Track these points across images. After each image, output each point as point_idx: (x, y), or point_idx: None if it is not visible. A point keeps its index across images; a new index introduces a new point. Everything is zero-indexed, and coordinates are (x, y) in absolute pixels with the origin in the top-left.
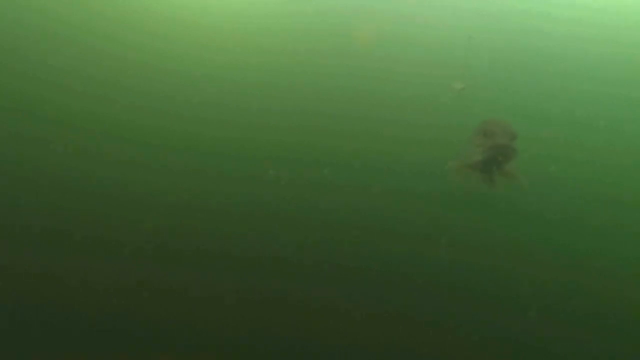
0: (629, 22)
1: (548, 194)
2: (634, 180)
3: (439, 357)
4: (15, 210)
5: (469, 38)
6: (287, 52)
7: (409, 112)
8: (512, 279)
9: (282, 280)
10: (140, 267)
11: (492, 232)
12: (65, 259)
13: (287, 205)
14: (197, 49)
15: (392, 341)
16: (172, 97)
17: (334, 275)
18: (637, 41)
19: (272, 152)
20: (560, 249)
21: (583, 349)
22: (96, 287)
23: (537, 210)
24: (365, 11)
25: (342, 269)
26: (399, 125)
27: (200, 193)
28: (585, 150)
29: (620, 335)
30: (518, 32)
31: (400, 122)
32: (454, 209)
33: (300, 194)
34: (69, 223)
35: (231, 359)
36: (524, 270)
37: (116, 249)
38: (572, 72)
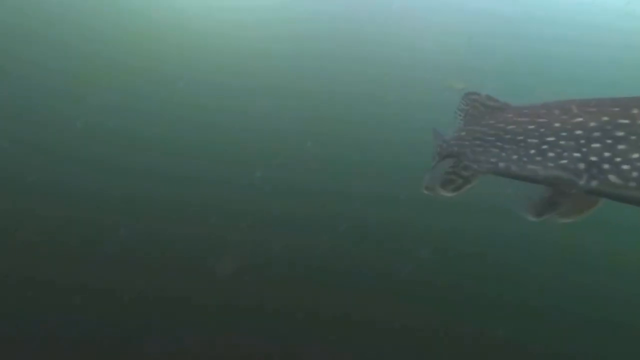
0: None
1: None
2: None
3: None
4: None
5: (470, 39)
6: (286, 55)
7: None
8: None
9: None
10: (121, 271)
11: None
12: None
13: (280, 209)
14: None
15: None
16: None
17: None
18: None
19: (264, 154)
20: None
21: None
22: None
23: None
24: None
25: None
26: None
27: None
28: None
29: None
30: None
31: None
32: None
33: (293, 196)
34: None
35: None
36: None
37: (96, 252)
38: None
